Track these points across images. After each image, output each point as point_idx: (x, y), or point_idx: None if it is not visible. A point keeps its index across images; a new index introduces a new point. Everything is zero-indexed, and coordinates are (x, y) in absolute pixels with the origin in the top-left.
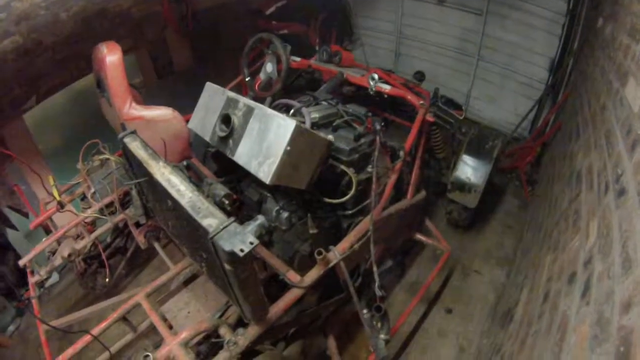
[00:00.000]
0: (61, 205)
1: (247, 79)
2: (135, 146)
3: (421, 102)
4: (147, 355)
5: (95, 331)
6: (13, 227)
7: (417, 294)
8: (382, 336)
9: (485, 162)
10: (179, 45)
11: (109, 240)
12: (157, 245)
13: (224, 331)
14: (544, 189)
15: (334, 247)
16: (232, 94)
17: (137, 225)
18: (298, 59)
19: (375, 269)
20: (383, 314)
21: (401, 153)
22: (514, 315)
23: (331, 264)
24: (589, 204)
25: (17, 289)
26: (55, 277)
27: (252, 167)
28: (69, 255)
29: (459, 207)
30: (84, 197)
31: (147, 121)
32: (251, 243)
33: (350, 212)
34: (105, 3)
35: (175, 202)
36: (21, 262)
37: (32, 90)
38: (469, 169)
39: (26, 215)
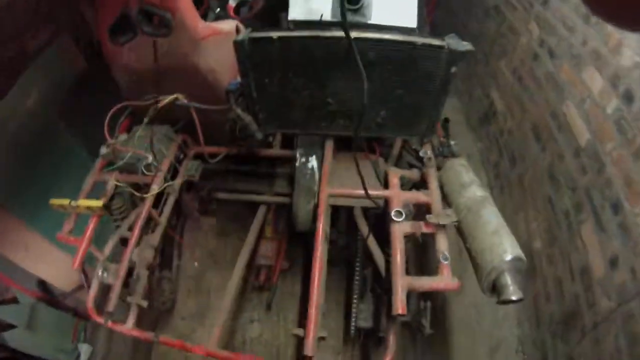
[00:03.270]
0: (106, 207)
1: (217, 11)
2: (267, 33)
3: None
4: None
5: None
6: (9, 326)
7: None
8: None
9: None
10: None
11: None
12: (223, 195)
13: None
14: (456, 29)
15: None
16: None
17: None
18: None
19: None
20: None
21: None
22: (495, 110)
23: None
24: (519, 18)
25: None
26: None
27: (397, 21)
28: (155, 257)
29: None
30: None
31: (226, 34)
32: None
33: None
34: None
35: (384, 44)
36: (110, 307)
37: None
38: None
39: (15, 300)
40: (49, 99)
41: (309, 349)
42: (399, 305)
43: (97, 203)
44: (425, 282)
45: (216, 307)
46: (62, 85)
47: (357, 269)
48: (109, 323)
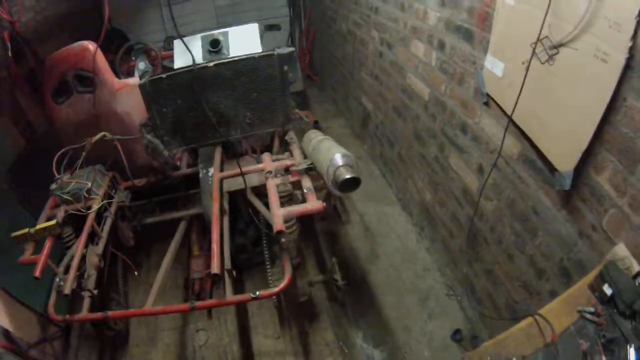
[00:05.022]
0: (59, 226)
1: None
2: (159, 75)
3: None
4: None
5: None
6: None
7: None
8: None
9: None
10: (32, 104)
11: None
12: (150, 219)
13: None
14: (329, 64)
15: None
16: (202, 34)
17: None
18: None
19: None
20: None
21: None
22: (368, 111)
23: None
24: (364, 31)
25: None
26: None
27: (247, 51)
28: (100, 259)
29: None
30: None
31: (133, 85)
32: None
33: None
34: None
35: (234, 63)
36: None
37: None
38: None
39: None
40: None
41: (214, 267)
42: (278, 225)
43: (52, 223)
44: (296, 209)
45: (166, 327)
46: (7, 160)
47: (265, 243)
48: (67, 317)
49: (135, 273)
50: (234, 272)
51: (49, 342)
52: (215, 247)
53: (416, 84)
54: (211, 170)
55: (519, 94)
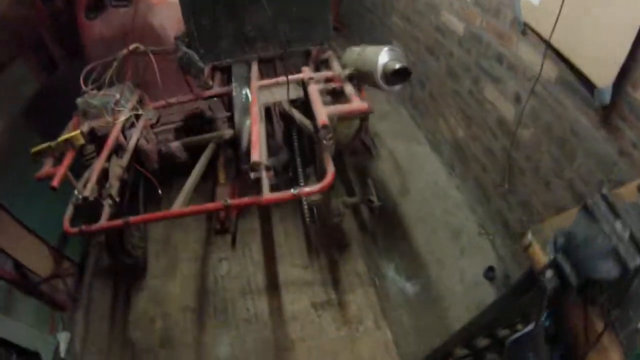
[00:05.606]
0: (83, 135)
1: None
2: None
3: None
4: None
5: None
6: None
7: None
8: None
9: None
10: (55, 40)
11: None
12: (177, 143)
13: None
14: (356, 14)
15: None
16: None
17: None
18: None
19: None
20: None
21: None
22: (426, 82)
23: None
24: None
25: None
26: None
27: None
28: (123, 171)
29: None
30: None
31: (170, 2)
32: None
33: None
34: None
35: None
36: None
37: None
38: None
39: None
40: (19, 104)
41: (255, 155)
42: (322, 119)
43: (75, 132)
44: (341, 107)
45: (186, 258)
46: (28, 93)
47: (299, 158)
48: (83, 227)
49: (160, 192)
50: (272, 170)
51: (62, 278)
52: (255, 137)
53: (451, 21)
54: (245, 89)
55: (557, 18)
